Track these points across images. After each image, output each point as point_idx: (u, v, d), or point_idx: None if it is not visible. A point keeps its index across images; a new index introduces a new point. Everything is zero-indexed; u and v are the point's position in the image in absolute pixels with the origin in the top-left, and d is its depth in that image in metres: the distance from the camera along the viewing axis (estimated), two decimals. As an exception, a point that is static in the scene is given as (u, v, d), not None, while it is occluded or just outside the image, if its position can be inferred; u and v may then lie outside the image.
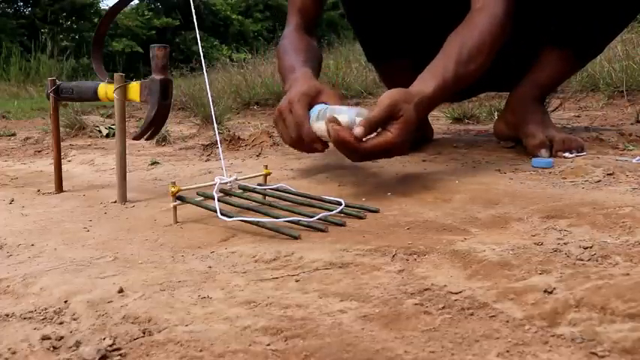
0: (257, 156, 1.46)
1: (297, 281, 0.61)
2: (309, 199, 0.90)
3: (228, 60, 5.53)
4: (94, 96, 1.06)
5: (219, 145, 1.04)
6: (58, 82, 1.11)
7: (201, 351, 0.46)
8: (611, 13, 1.21)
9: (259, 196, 0.92)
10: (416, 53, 1.44)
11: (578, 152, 1.19)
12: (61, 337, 0.50)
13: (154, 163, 1.46)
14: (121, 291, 0.59)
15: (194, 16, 1.03)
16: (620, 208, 0.76)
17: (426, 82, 1.00)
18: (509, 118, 1.36)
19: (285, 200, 0.91)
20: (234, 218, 0.82)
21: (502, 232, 0.74)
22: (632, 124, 1.72)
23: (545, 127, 1.26)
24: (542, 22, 1.26)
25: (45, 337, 0.49)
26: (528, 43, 1.30)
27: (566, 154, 1.18)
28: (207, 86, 1.05)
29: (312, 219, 0.80)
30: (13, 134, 2.40)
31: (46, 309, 0.56)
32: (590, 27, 1.22)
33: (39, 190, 1.18)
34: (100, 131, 2.25)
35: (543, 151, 1.20)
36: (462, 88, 1.05)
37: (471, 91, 1.67)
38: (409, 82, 1.48)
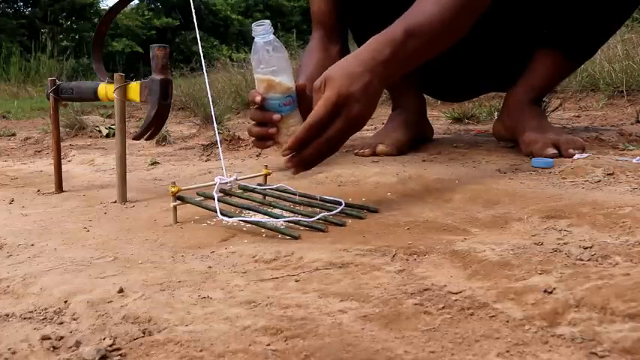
0: (257, 156, 1.46)
1: (297, 281, 0.61)
2: (309, 199, 0.90)
3: (228, 60, 5.53)
4: (94, 96, 1.06)
5: (219, 145, 1.04)
6: (58, 82, 1.11)
7: (201, 351, 0.46)
8: (604, 15, 1.21)
9: (259, 196, 0.92)
10: None
11: (580, 153, 1.19)
12: (61, 337, 0.50)
13: (154, 163, 1.46)
14: (121, 291, 0.58)
15: (194, 16, 1.03)
16: (620, 208, 0.76)
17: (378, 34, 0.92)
18: (506, 121, 1.35)
19: (285, 200, 0.91)
20: (234, 218, 0.82)
21: (502, 232, 0.74)
22: (632, 124, 1.72)
23: (544, 132, 1.24)
24: (537, 23, 1.26)
25: (45, 337, 0.49)
26: (527, 42, 1.30)
27: (576, 154, 1.16)
28: (207, 86, 1.05)
29: (312, 219, 0.80)
30: (13, 134, 2.40)
31: (46, 309, 0.56)
32: (583, 28, 1.22)
33: (39, 190, 1.18)
34: (100, 131, 2.25)
35: (549, 150, 1.17)
36: (435, 32, 0.93)
37: (473, 91, 1.67)
38: (404, 81, 1.48)
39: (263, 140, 1.09)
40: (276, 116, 1.06)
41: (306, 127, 0.84)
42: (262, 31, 1.02)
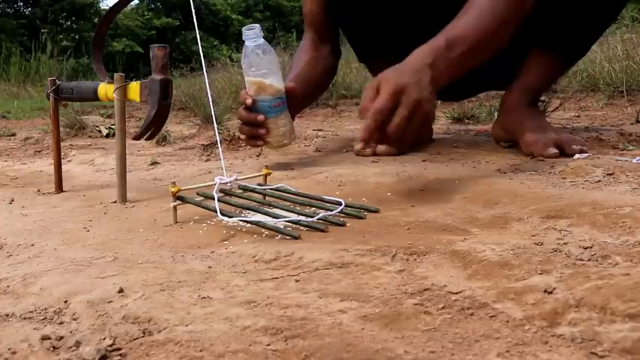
0: (257, 156, 1.46)
1: (297, 281, 0.61)
2: (309, 199, 0.90)
3: (228, 60, 5.52)
4: (94, 96, 1.06)
5: (219, 145, 1.04)
6: (58, 82, 1.11)
7: (201, 351, 0.46)
8: (594, 14, 1.21)
9: (259, 196, 0.92)
10: (404, 52, 1.45)
11: (581, 152, 1.19)
12: (61, 337, 0.50)
13: (154, 163, 1.46)
14: (121, 291, 0.58)
15: (194, 16, 1.03)
16: (620, 208, 0.76)
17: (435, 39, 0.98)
18: (505, 124, 1.35)
19: (285, 200, 0.91)
20: (234, 218, 0.82)
21: (502, 232, 0.74)
22: (632, 124, 1.72)
23: (544, 131, 1.24)
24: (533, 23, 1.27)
25: (45, 337, 0.49)
26: (526, 40, 1.30)
27: (576, 155, 1.15)
28: (207, 86, 1.05)
29: (312, 219, 0.80)
30: (13, 134, 2.40)
31: (46, 309, 0.56)
32: (575, 28, 1.23)
33: (39, 190, 1.18)
34: (100, 131, 2.25)
35: (551, 150, 1.17)
36: (487, 45, 1.01)
37: (472, 90, 1.67)
38: None
39: (253, 139, 1.14)
40: (260, 117, 1.11)
41: (371, 114, 0.87)
42: (252, 35, 1.05)
